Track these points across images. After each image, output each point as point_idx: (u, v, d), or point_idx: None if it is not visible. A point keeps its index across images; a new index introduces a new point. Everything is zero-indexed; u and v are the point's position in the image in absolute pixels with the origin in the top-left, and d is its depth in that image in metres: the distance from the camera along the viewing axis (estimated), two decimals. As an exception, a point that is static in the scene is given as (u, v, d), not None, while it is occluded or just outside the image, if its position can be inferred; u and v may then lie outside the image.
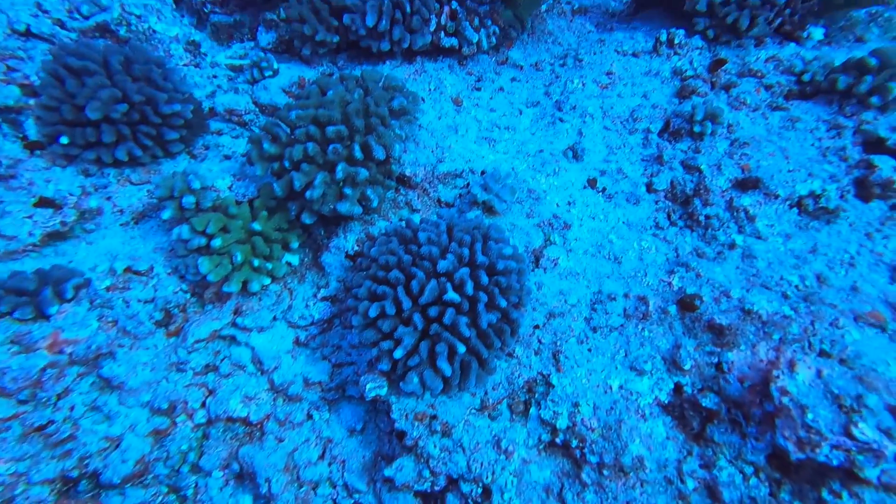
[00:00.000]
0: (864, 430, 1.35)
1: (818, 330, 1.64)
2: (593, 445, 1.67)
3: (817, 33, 2.57)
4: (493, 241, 1.81)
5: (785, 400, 1.47)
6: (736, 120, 2.31)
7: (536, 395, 1.80)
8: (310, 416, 1.94)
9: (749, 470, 1.57)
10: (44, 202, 1.88)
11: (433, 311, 1.65)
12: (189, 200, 1.75)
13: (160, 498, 1.84)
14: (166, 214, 1.73)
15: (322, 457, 1.90)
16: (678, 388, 1.75)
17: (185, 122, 2.11)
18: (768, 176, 2.05)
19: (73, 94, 1.86)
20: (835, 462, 1.37)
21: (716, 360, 1.73)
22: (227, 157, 2.28)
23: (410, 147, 2.16)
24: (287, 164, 1.75)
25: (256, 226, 1.79)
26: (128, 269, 1.82)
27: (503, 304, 1.70)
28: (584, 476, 1.67)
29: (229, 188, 1.95)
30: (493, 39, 2.71)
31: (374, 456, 1.93)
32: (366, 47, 2.50)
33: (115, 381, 1.77)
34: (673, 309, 1.89)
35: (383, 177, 1.94)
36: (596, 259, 2.14)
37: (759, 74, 2.43)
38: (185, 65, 2.47)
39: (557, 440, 1.73)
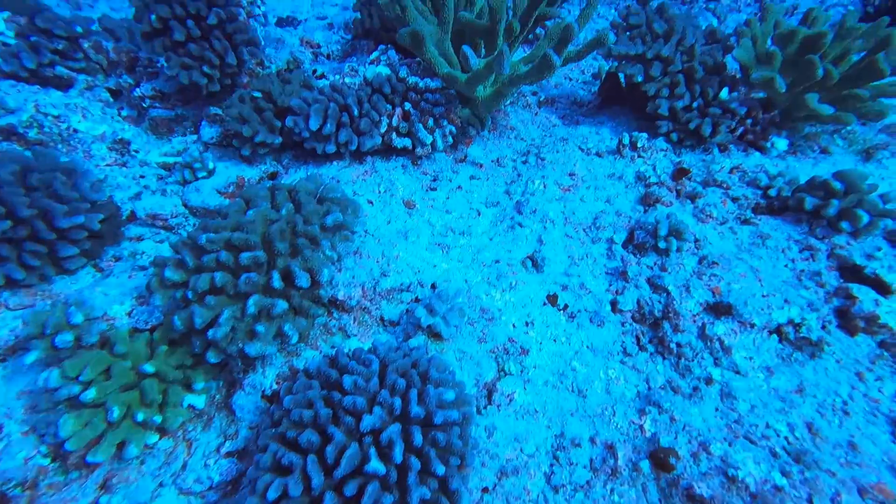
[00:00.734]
0: None
1: (817, 511, 1.37)
2: None
3: (781, 144, 2.53)
4: (432, 385, 1.53)
5: None
6: (703, 234, 2.17)
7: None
8: None
9: None
10: None
11: (351, 488, 1.33)
12: (65, 339, 1.45)
13: None
14: (30, 358, 1.42)
15: None
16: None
17: (92, 232, 1.86)
18: (741, 302, 1.86)
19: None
20: None
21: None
22: (143, 269, 2.00)
23: (348, 264, 1.93)
24: (190, 294, 1.48)
25: (149, 367, 1.48)
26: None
27: (440, 470, 1.40)
28: None
29: (128, 314, 1.66)
30: (450, 139, 2.60)
31: None
32: (311, 149, 2.35)
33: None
34: (646, 465, 1.60)
35: (310, 304, 1.68)
36: (557, 391, 1.87)
37: (725, 186, 2.33)
38: (107, 165, 2.27)
39: None
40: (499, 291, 2.08)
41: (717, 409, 1.74)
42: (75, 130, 2.19)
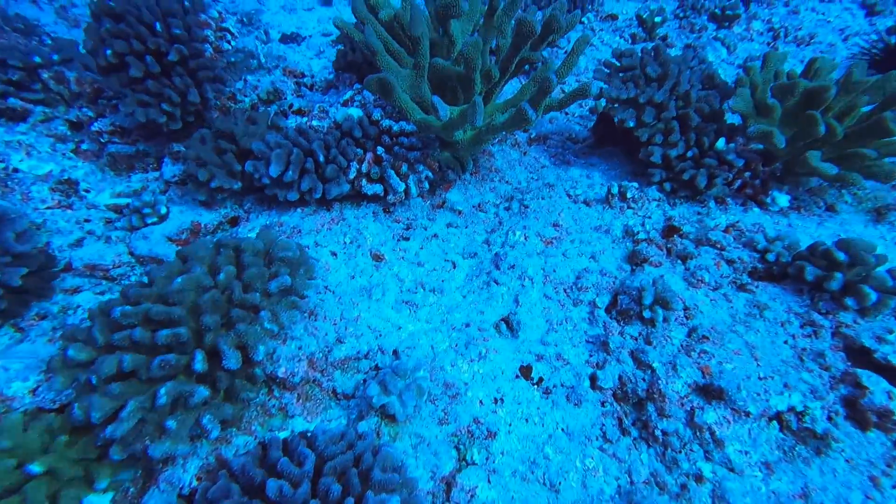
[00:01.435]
0: None
1: None
2: None
3: (782, 199, 2.35)
4: (372, 491, 1.32)
5: None
6: (694, 301, 1.97)
7: None
8: None
9: None
10: None
11: None
12: (-57, 429, 1.25)
13: None
14: None
15: None
16: None
17: (12, 289, 1.67)
18: (734, 385, 1.65)
19: None
20: None
21: None
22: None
23: (296, 331, 1.73)
24: (94, 380, 1.28)
25: (37, 466, 1.27)
26: None
27: None
28: None
29: (32, 392, 1.46)
30: (425, 184, 2.43)
31: None
32: (271, 196, 2.18)
33: None
34: (622, 589, 1.37)
35: (243, 384, 1.48)
36: (527, 485, 1.65)
37: (719, 246, 2.14)
38: (48, 208, 2.10)
39: None
40: (466, 362, 1.87)
41: (707, 517, 1.52)
42: (15, 170, 2.04)
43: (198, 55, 2.34)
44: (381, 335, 1.93)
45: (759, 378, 1.71)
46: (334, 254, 2.17)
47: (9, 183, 2.00)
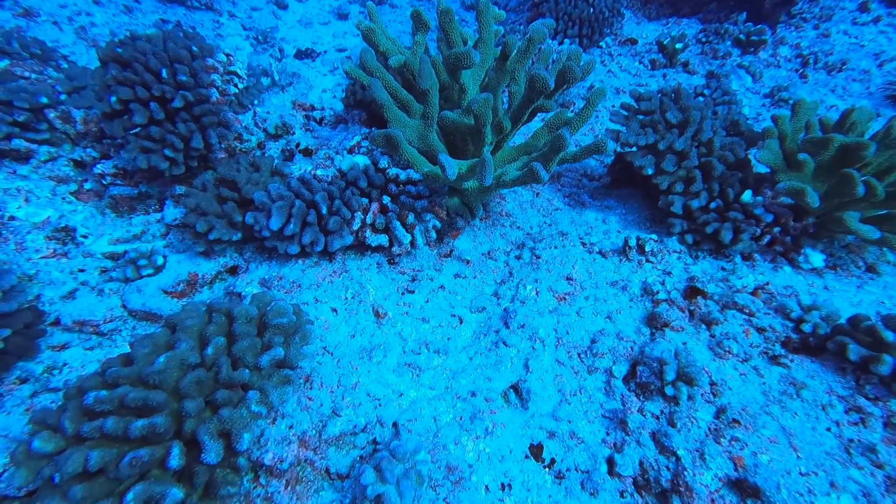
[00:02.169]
0: None
1: None
2: None
3: (816, 259, 2.18)
4: None
5: None
6: (721, 376, 1.80)
7: None
8: None
9: None
10: None
11: None
12: None
13: None
14: None
15: None
16: None
17: (-7, 353, 1.59)
18: (773, 485, 1.47)
19: None
20: None
21: None
22: (52, 391, 1.71)
23: (288, 407, 1.61)
24: (57, 478, 1.17)
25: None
26: None
27: None
28: None
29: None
30: (433, 234, 2.32)
31: None
32: (271, 248, 2.09)
33: None
34: None
35: (225, 474, 1.36)
36: (536, 588, 1.48)
37: (748, 312, 1.98)
38: (42, 257, 2.03)
39: None
40: (472, 438, 1.72)
41: None
42: (11, 218, 1.98)
43: (203, 101, 2.29)
44: (380, 404, 1.80)
45: (801, 474, 1.53)
46: (335, 310, 2.06)
47: (3, 232, 1.95)
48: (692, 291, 2.10)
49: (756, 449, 1.57)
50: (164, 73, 2.19)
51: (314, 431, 1.62)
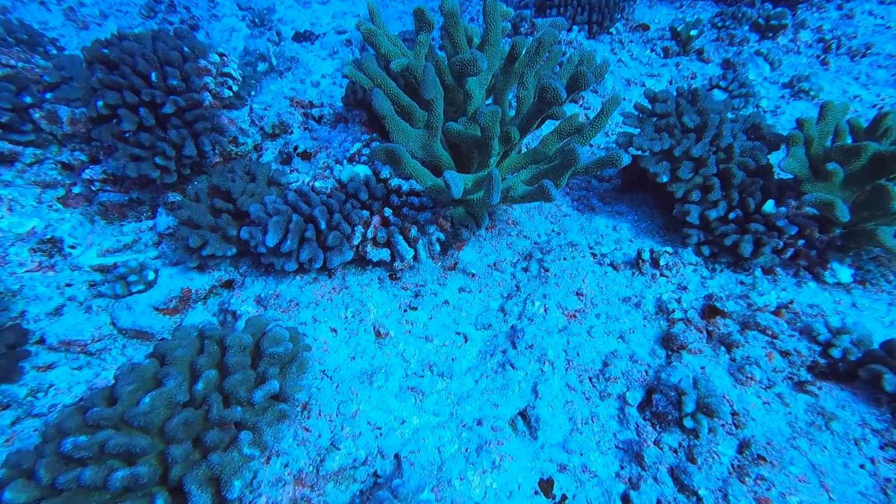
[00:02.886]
0: None
1: None
2: None
3: (844, 274, 2.06)
4: None
5: None
6: (743, 405, 1.70)
7: None
8: None
9: None
10: None
11: None
12: None
13: None
14: None
15: None
16: None
17: (-28, 383, 1.50)
18: (801, 530, 1.37)
19: None
20: None
21: None
22: (41, 417, 1.63)
23: (284, 444, 1.52)
24: (35, 534, 1.09)
25: None
26: None
27: None
28: None
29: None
30: (437, 246, 2.21)
31: None
32: (268, 264, 1.98)
33: None
34: None
35: (215, 520, 1.27)
36: None
37: (771, 333, 1.87)
38: (27, 271, 1.94)
39: None
40: (478, 473, 1.63)
41: None
42: (-5, 231, 1.89)
43: (195, 106, 2.17)
44: (381, 434, 1.71)
45: (829, 517, 1.43)
46: (334, 330, 1.96)
47: (-15, 249, 1.86)
48: (710, 311, 1.98)
49: (784, 489, 1.47)
50: (154, 77, 2.07)
51: (311, 468, 1.53)
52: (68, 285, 1.99)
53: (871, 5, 5.01)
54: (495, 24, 2.03)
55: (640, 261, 2.29)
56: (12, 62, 2.47)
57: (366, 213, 2.05)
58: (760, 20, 4.78)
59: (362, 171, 2.10)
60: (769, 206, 2.20)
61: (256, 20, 5.57)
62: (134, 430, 1.21)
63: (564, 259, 2.40)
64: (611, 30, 5.09)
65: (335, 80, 4.89)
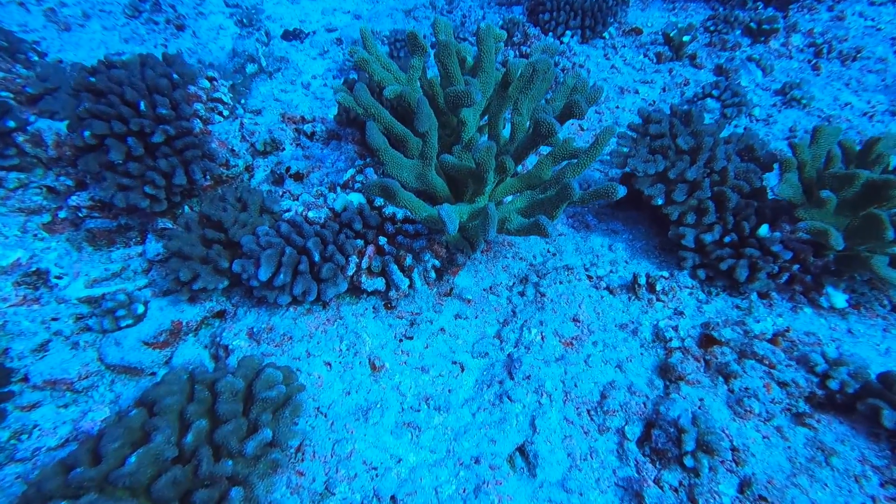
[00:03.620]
0: None
1: None
2: None
3: (838, 299, 2.06)
4: None
5: None
6: (743, 440, 1.68)
7: None
8: None
9: None
10: None
11: None
12: None
13: None
14: None
15: None
16: None
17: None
18: (803, 573, 1.36)
19: None
20: None
21: None
22: (24, 462, 1.58)
23: (276, 495, 1.48)
24: None
25: None
26: None
27: None
28: None
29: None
30: (432, 274, 2.18)
31: None
32: (261, 297, 1.95)
33: None
34: None
35: (206, 579, 1.23)
36: None
37: (768, 363, 1.86)
38: (11, 306, 1.89)
39: None
40: (476, 514, 1.60)
41: None
42: (-25, 268, 1.84)
43: (185, 134, 2.13)
44: (377, 474, 1.68)
45: (831, 560, 1.42)
46: (328, 364, 1.93)
47: (-34, 286, 1.81)
48: (707, 340, 1.97)
49: (783, 529, 1.46)
50: (143, 106, 2.03)
51: (306, 513, 1.50)
52: (54, 319, 1.94)
53: (862, 6, 5.02)
54: (489, 51, 2.02)
55: (637, 285, 2.28)
56: (-7, 73, 2.41)
57: (360, 242, 2.02)
58: (752, 24, 4.79)
59: (356, 199, 2.07)
60: (764, 230, 2.20)
61: (244, 20, 5.44)
62: (119, 490, 1.17)
63: (560, 283, 2.38)
64: (604, 34, 5.06)
65: (325, 81, 4.81)
